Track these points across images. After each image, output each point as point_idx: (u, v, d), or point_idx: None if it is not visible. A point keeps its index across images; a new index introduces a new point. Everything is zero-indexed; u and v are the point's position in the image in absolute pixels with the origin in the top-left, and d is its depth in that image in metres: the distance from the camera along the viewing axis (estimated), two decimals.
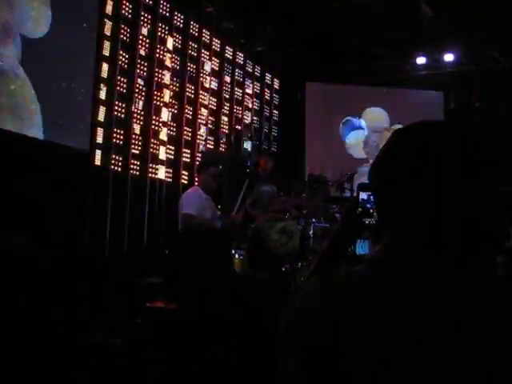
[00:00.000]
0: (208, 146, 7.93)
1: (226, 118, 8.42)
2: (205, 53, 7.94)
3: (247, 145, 8.42)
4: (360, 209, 1.55)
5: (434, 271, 0.82)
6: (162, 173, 7.02)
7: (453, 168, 0.84)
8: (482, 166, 0.85)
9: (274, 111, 9.81)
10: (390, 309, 0.80)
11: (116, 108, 6.33)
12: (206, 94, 7.94)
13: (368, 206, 1.53)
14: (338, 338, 0.80)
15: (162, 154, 7.03)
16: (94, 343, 3.89)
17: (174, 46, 7.30)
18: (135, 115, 6.61)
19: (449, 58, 9.01)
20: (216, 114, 8.20)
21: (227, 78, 8.45)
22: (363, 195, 1.52)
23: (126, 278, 5.43)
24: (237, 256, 4.28)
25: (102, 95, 6.13)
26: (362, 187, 1.56)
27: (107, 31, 6.19)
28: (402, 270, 0.84)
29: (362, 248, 6.42)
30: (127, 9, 6.48)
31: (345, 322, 0.80)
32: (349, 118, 10.24)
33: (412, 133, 0.92)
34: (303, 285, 0.94)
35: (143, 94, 6.74)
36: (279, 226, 2.36)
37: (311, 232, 5.35)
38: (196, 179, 7.26)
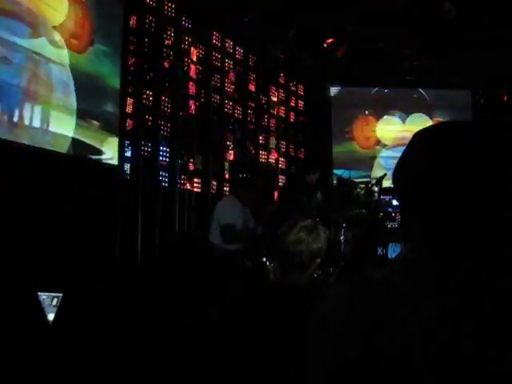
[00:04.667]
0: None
1: (251, 126, 8.45)
2: (228, 62, 8.00)
3: None
4: (382, 213, 1.53)
5: (457, 274, 0.81)
6: (191, 183, 7.08)
7: (476, 172, 0.82)
8: (507, 171, 0.83)
9: (300, 117, 9.80)
10: (415, 310, 0.80)
11: (143, 121, 6.42)
12: (231, 102, 7.99)
13: (390, 209, 1.51)
14: (368, 343, 0.79)
15: (191, 164, 7.10)
16: None
17: (197, 56, 7.37)
18: (162, 127, 6.69)
19: (473, 55, 8.89)
20: (242, 122, 8.24)
21: (251, 86, 8.49)
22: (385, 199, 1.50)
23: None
24: (268, 264, 4.29)
25: (129, 108, 6.23)
26: (384, 191, 1.54)
27: (131, 45, 6.29)
28: (425, 273, 0.83)
29: (394, 251, 6.39)
30: (150, 23, 6.57)
31: (374, 327, 0.80)
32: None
33: (434, 136, 0.90)
34: (329, 290, 0.94)
35: (169, 106, 6.82)
36: (300, 224, 2.31)
37: (342, 237, 5.31)
38: (226, 189, 7.31)
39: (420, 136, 0.92)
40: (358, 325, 0.82)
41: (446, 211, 0.83)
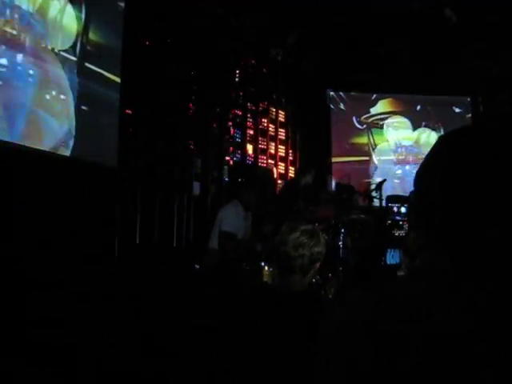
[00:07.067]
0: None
1: (251, 132, 8.46)
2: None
3: None
4: (389, 221, 1.52)
5: (479, 279, 0.80)
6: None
7: (502, 181, 0.81)
8: None
9: (299, 122, 9.81)
10: (435, 317, 0.79)
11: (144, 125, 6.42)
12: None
13: (397, 218, 1.49)
14: (384, 350, 0.79)
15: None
16: None
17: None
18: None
19: (475, 62, 8.91)
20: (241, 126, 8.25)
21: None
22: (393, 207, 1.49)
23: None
24: (266, 268, 4.28)
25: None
26: (392, 199, 1.53)
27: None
28: (446, 280, 0.82)
29: (392, 258, 6.37)
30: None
31: (391, 334, 0.79)
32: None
33: (456, 142, 0.88)
34: (344, 296, 0.92)
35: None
36: (301, 229, 2.32)
37: (340, 243, 5.29)
38: (226, 193, 7.30)
39: (441, 143, 0.90)
40: (373, 336, 0.80)
41: (465, 224, 0.82)
